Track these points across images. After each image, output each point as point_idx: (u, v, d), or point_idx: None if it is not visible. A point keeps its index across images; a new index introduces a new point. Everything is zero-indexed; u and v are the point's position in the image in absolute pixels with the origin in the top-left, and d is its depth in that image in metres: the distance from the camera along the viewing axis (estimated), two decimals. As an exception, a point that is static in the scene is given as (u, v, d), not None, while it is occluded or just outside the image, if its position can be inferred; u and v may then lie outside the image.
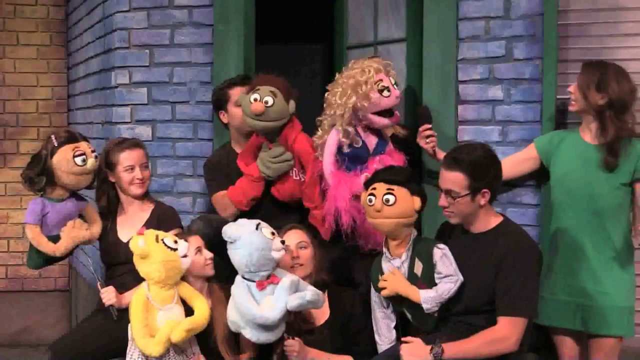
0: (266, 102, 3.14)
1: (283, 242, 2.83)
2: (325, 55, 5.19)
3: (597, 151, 3.02)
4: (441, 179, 2.80)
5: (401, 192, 2.77)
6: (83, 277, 4.83)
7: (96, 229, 3.21)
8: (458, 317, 2.78)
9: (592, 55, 3.24)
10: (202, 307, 2.87)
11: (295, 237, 3.05)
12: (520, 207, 3.34)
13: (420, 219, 3.01)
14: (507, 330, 2.66)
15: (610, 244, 3.01)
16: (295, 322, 2.91)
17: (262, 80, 3.23)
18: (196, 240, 2.99)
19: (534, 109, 3.32)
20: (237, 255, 2.78)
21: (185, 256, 2.85)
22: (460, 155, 2.77)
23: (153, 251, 2.80)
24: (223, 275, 2.98)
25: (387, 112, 3.15)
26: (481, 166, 2.74)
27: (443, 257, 2.74)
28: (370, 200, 2.79)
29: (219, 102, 3.52)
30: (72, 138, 3.07)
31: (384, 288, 2.82)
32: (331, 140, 3.15)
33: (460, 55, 3.40)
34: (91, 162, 3.07)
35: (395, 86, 3.16)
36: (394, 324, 2.97)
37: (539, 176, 3.26)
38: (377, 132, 3.21)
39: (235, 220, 2.97)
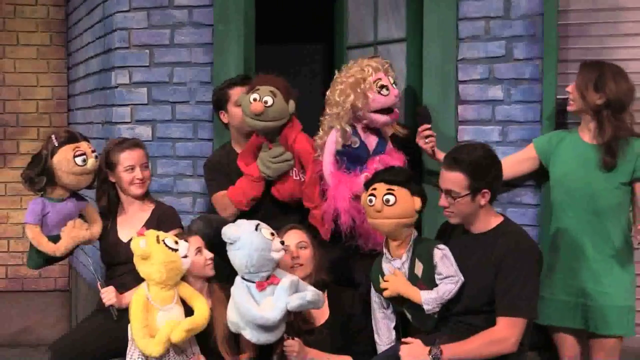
0: (266, 102, 3.14)
1: (282, 242, 2.83)
2: (325, 55, 5.18)
3: (596, 151, 3.02)
4: (441, 179, 2.80)
5: (401, 192, 2.77)
6: (83, 277, 4.83)
7: (96, 229, 3.21)
8: (458, 317, 2.77)
9: (592, 55, 3.24)
10: (202, 308, 2.87)
11: (295, 237, 3.05)
12: (520, 207, 3.34)
13: (420, 219, 3.01)
14: (506, 331, 2.66)
15: (610, 243, 3.01)
16: (295, 322, 2.90)
17: (262, 80, 3.23)
18: (196, 241, 2.99)
19: (534, 109, 3.32)
20: (237, 256, 2.78)
21: (185, 256, 2.85)
22: (461, 156, 2.76)
23: (154, 252, 2.80)
24: (223, 275, 2.98)
25: (386, 110, 3.15)
26: (481, 166, 2.74)
27: (443, 257, 2.74)
28: (371, 201, 2.79)
29: (219, 102, 3.52)
30: (72, 138, 3.07)
31: (385, 289, 2.82)
32: (331, 140, 3.14)
33: (460, 55, 3.40)
34: (91, 162, 3.07)
35: (394, 85, 3.16)
36: (393, 324, 2.97)
37: (539, 176, 3.26)
38: (376, 132, 3.21)
39: (235, 220, 2.98)
